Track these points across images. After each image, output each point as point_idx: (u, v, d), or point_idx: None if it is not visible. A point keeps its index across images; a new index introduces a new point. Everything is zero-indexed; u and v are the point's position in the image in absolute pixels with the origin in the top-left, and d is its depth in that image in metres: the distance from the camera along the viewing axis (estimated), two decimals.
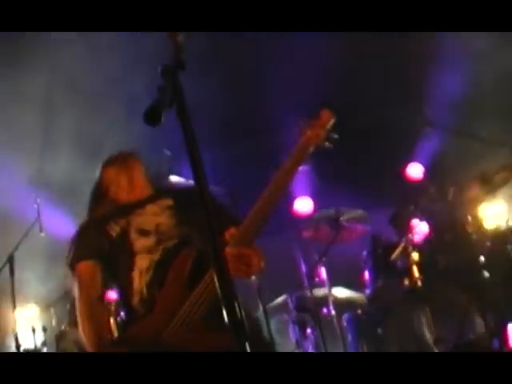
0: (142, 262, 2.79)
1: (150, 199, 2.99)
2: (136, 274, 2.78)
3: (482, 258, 4.78)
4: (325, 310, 5.10)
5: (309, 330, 5.12)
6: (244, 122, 6.37)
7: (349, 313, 5.04)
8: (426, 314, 4.55)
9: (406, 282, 4.81)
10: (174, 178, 4.58)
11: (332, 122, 2.87)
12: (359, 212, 5.25)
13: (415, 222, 4.95)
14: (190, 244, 2.75)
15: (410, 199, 5.13)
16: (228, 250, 2.48)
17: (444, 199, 5.10)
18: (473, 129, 5.68)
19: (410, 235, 4.87)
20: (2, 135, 4.99)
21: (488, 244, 4.97)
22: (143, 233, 2.84)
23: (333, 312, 5.03)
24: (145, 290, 2.74)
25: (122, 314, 4.84)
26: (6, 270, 5.54)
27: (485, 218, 5.14)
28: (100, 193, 3.06)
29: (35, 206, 5.68)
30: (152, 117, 1.67)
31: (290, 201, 5.29)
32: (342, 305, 5.11)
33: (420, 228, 4.95)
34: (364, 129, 5.84)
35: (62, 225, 5.88)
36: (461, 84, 5.77)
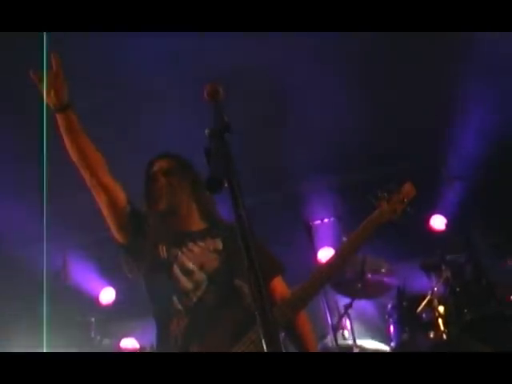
0: (181, 305, 2.71)
1: (202, 235, 2.89)
2: (174, 319, 2.70)
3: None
4: None
5: None
6: (266, 172, 6.41)
7: None
8: None
9: (432, 335, 4.77)
10: None
11: (412, 196, 2.86)
12: (383, 263, 5.21)
13: (444, 268, 4.94)
14: (232, 294, 2.71)
15: (436, 251, 5.11)
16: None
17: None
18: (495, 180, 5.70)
19: (435, 288, 4.85)
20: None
21: None
22: (186, 272, 2.76)
23: None
24: (180, 338, 2.65)
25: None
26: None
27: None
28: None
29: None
30: (214, 187, 1.70)
31: (314, 251, 5.26)
32: None
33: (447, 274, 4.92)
34: (387, 180, 5.87)
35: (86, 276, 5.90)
36: (483, 136, 5.79)
